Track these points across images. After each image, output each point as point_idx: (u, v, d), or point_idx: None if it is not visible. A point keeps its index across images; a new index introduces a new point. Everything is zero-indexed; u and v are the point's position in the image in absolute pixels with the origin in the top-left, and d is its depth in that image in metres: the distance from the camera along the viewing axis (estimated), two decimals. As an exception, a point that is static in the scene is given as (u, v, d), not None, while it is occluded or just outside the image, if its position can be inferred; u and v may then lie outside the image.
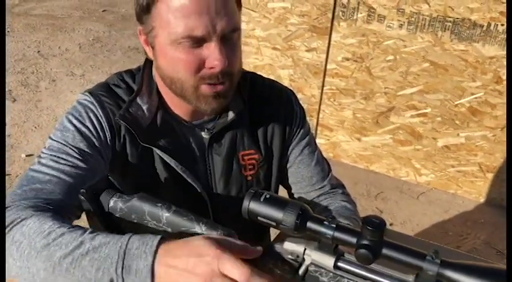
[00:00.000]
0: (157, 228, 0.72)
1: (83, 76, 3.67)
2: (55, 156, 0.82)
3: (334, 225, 0.58)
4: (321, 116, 2.68)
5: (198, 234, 0.70)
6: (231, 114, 0.93)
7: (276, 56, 2.64)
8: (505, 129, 2.26)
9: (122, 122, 0.86)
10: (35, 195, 0.76)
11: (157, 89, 0.92)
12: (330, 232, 0.58)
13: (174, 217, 0.71)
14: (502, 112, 2.23)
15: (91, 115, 0.87)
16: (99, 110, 0.87)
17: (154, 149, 0.89)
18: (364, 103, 2.53)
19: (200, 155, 0.95)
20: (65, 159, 0.82)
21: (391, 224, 2.26)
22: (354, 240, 0.57)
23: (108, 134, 0.87)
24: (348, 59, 2.47)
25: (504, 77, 2.16)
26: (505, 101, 2.21)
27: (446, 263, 0.53)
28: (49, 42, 4.29)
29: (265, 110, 0.99)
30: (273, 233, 1.02)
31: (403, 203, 2.40)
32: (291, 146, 1.03)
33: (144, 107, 0.89)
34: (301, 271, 0.61)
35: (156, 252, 0.59)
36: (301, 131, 1.03)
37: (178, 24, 0.76)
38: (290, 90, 1.04)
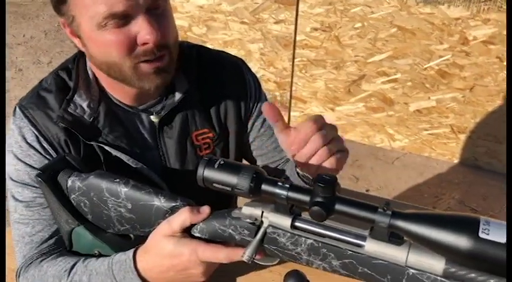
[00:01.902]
0: (117, 205, 0.72)
1: (51, 63, 3.58)
2: (25, 203, 0.83)
3: (288, 186, 0.58)
4: (293, 88, 2.67)
5: (157, 206, 0.70)
6: (178, 93, 0.90)
7: (245, 30, 2.61)
8: (474, 89, 2.29)
9: (61, 124, 0.82)
10: (29, 249, 0.84)
11: (96, 80, 0.87)
12: (284, 192, 0.58)
13: (133, 192, 0.71)
14: (469, 73, 2.26)
15: (29, 139, 0.83)
16: (32, 128, 0.83)
17: (102, 145, 0.85)
18: (336, 73, 2.53)
19: (152, 141, 0.91)
20: (34, 202, 0.83)
21: (367, 190, 2.30)
22: (307, 198, 0.57)
23: (50, 149, 0.84)
24: (316, 29, 2.45)
25: (470, 38, 2.18)
26: (472, 62, 2.23)
27: (397, 214, 0.54)
28: (12, 31, 4.16)
29: (215, 84, 0.95)
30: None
31: (378, 169, 2.44)
32: (251, 120, 1.00)
33: (84, 104, 0.85)
34: (259, 234, 0.62)
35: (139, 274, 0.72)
36: (258, 102, 1.00)
37: (97, 5, 0.72)
38: (240, 60, 1.01)
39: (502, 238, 0.48)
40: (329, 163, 0.66)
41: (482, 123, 2.36)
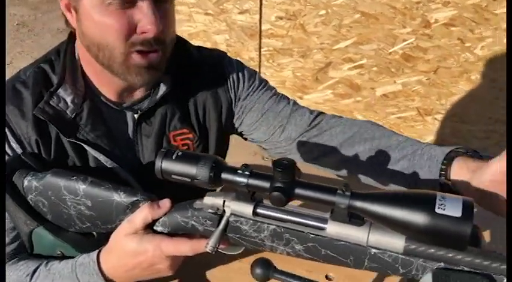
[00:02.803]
0: (76, 203, 0.70)
1: (11, 64, 3.46)
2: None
3: (248, 173, 0.58)
4: (261, 78, 2.66)
5: (118, 202, 0.68)
6: (161, 90, 0.87)
7: (209, 21, 2.58)
8: (438, 71, 2.33)
9: (41, 116, 0.78)
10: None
11: (83, 73, 0.84)
12: (244, 180, 0.58)
13: (91, 188, 0.69)
14: (433, 56, 2.30)
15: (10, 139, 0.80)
16: (9, 134, 0.79)
17: (81, 144, 0.81)
18: (303, 61, 2.53)
19: (131, 139, 0.88)
20: None
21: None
22: (267, 184, 0.57)
23: (18, 148, 0.79)
24: (281, 18, 2.44)
25: (432, 21, 2.21)
26: (435, 44, 2.27)
27: (356, 195, 0.54)
28: (-31, 32, 4.00)
29: (195, 83, 0.92)
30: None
31: (349, 155, 2.46)
32: (244, 105, 0.94)
33: (68, 99, 0.81)
34: (222, 223, 0.61)
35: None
36: (251, 82, 0.95)
37: None
38: (220, 53, 0.97)
39: (457, 212, 0.49)
40: None
41: (447, 104, 2.41)
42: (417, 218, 0.50)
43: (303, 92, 2.63)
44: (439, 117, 2.45)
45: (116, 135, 0.86)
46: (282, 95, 1.00)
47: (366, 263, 0.56)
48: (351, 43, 2.39)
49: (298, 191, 0.56)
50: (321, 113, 0.98)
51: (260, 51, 2.57)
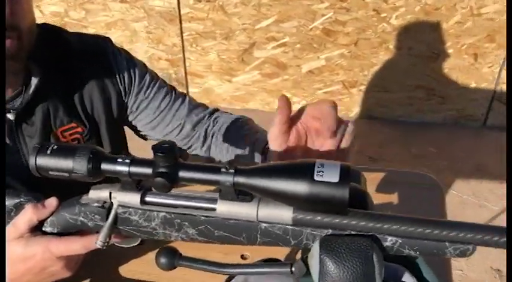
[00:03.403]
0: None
1: None
2: None
3: (128, 161, 0.54)
4: (187, 64, 2.61)
5: None
6: (33, 84, 0.79)
7: (126, 9, 2.48)
8: (358, 43, 2.38)
9: None
10: None
11: None
12: (125, 169, 0.54)
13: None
14: (352, 28, 2.34)
15: None
16: None
17: None
18: (226, 43, 2.50)
19: (12, 143, 0.80)
20: None
21: (272, 155, 2.33)
22: (149, 170, 0.54)
23: None
24: (200, 1, 2.39)
25: (347, -6, 2.25)
26: (353, 17, 2.31)
27: (240, 171, 0.52)
28: None
29: (78, 72, 0.85)
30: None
31: (281, 133, 2.47)
32: (132, 97, 0.92)
33: None
34: (110, 216, 0.58)
35: None
36: (134, 77, 0.92)
37: None
38: (103, 38, 0.92)
39: (335, 177, 0.48)
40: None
41: (369, 75, 2.48)
42: (298, 187, 0.49)
43: (230, 74, 2.61)
44: (363, 88, 2.52)
45: None
46: (175, 91, 0.98)
47: (258, 238, 0.55)
48: (272, 22, 2.39)
49: (182, 174, 0.53)
50: (216, 110, 1.00)
51: (182, 36, 2.51)
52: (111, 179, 0.58)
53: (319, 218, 0.52)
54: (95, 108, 0.88)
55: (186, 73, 2.64)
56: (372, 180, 0.95)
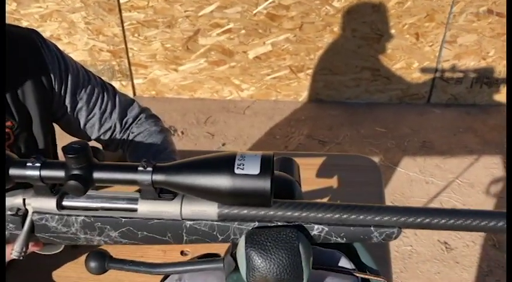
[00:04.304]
0: None
1: None
2: None
3: (39, 164, 0.51)
4: (130, 54, 2.52)
5: None
6: None
7: (61, -1, 2.36)
8: (303, 27, 2.38)
9: None
10: None
11: None
12: (35, 173, 0.51)
13: None
14: (296, 12, 2.33)
15: None
16: None
17: None
18: (170, 31, 2.44)
19: None
20: None
21: (223, 144, 2.31)
22: (62, 173, 0.50)
23: None
24: (139, -12, 2.31)
25: (289, -22, 2.23)
26: (296, 0, 2.30)
27: (158, 168, 0.50)
28: None
29: (10, 65, 0.82)
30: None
31: (231, 121, 2.46)
32: (67, 96, 0.90)
33: None
34: (26, 224, 0.54)
35: None
36: (67, 74, 0.89)
37: None
38: (32, 31, 0.89)
39: (255, 170, 0.47)
40: None
41: (316, 58, 2.49)
42: (219, 182, 0.47)
43: (176, 63, 2.55)
44: (311, 72, 2.53)
45: None
46: (107, 89, 0.98)
47: (184, 237, 0.53)
48: (215, 8, 2.34)
49: (96, 175, 0.50)
50: (145, 109, 1.03)
51: (123, 26, 2.42)
52: (24, 184, 0.54)
53: (244, 211, 0.50)
54: (27, 102, 0.85)
55: (129, 64, 2.55)
56: (313, 165, 0.94)
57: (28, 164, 0.51)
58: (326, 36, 2.42)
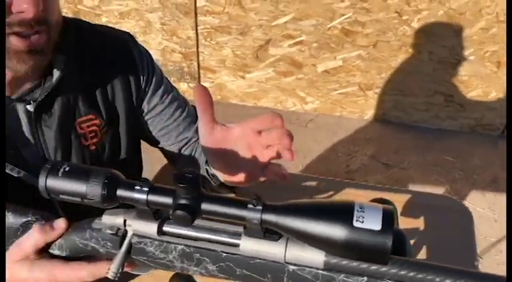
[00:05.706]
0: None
1: None
2: None
3: (147, 189, 0.50)
4: (201, 58, 2.55)
5: (8, 224, 0.59)
6: (55, 76, 0.77)
7: (141, -1, 2.42)
8: (377, 45, 2.31)
9: None
10: None
11: None
12: (143, 197, 0.50)
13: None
14: (371, 30, 2.27)
15: None
16: None
17: None
18: (242, 39, 2.44)
19: (30, 135, 0.78)
20: None
21: (283, 156, 2.28)
22: (170, 201, 0.49)
23: None
24: (216, -6, 2.33)
25: (369, -6, 2.18)
26: (373, 18, 2.24)
27: (269, 208, 0.47)
28: None
29: (100, 64, 0.84)
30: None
31: (293, 133, 2.42)
32: (147, 99, 0.90)
33: None
34: (124, 245, 0.53)
35: None
36: (152, 78, 0.90)
37: None
38: (127, 34, 0.91)
39: (377, 225, 0.44)
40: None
41: (387, 78, 2.41)
42: (334, 232, 0.44)
43: (244, 71, 2.55)
44: (380, 91, 2.45)
45: (10, 136, 0.76)
46: (188, 105, 0.97)
47: (285, 281, 0.50)
48: (289, 19, 2.32)
49: (204, 207, 0.49)
50: None
51: (197, 30, 2.46)
52: (127, 204, 0.53)
53: (355, 264, 0.47)
54: (116, 101, 0.86)
55: (199, 67, 2.58)
56: (397, 202, 0.89)
57: (136, 187, 0.50)
58: (400, 56, 2.34)
